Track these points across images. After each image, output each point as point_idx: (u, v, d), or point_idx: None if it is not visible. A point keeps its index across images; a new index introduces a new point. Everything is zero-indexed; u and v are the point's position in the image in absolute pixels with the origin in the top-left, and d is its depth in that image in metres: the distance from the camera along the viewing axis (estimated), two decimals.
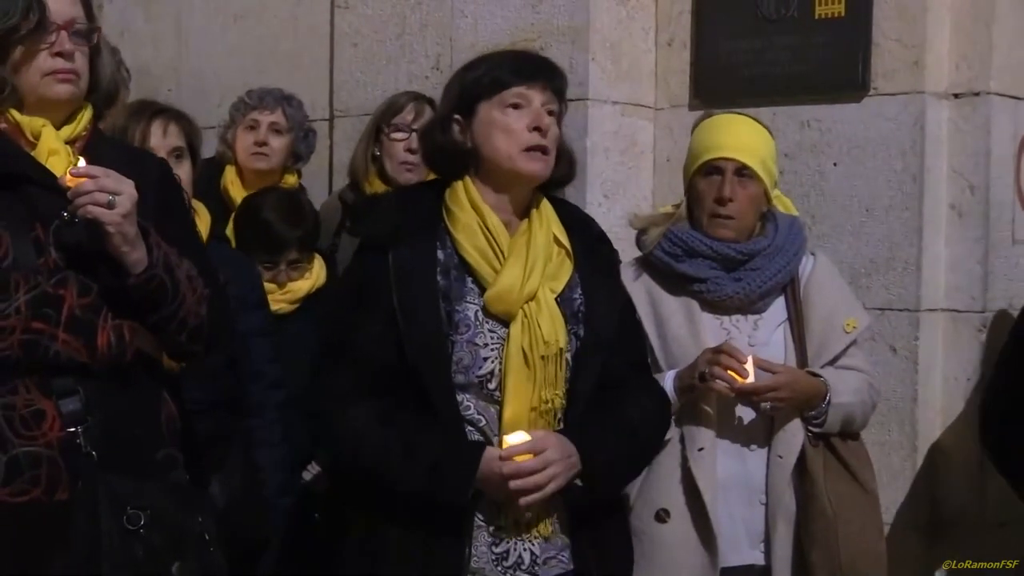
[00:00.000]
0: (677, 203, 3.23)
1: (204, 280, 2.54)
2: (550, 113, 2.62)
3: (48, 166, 2.47)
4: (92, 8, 2.62)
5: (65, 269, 2.42)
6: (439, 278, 2.57)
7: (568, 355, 2.60)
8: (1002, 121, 3.82)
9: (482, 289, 2.58)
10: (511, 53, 2.89)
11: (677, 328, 3.06)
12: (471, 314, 2.57)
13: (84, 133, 2.58)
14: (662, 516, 3.01)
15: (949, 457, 3.77)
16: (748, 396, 2.97)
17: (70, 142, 2.55)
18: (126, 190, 2.37)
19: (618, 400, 2.65)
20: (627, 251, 3.18)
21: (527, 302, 2.56)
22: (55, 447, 2.37)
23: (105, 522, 2.33)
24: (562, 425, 2.60)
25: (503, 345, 2.56)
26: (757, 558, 3.07)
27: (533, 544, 2.59)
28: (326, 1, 4.70)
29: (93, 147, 2.57)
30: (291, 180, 4.28)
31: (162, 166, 2.75)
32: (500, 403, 2.57)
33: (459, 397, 2.55)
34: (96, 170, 2.37)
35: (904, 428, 3.74)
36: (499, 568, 2.57)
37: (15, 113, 2.51)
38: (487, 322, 2.57)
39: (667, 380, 2.99)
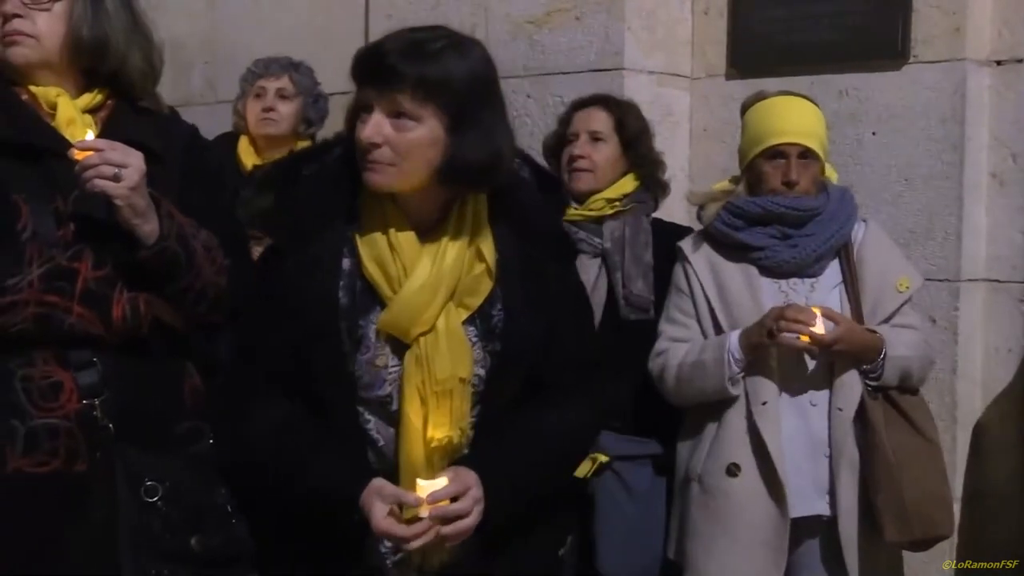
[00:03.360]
0: (733, 178, 3.33)
1: (226, 249, 2.53)
2: (399, 115, 2.24)
3: (67, 136, 2.46)
4: None
5: (82, 241, 2.41)
6: (342, 293, 2.31)
7: (478, 378, 2.35)
8: None
9: (384, 307, 2.32)
10: (365, 47, 2.38)
11: (738, 293, 3.21)
12: (371, 333, 2.32)
13: (109, 102, 2.57)
14: (733, 470, 3.14)
15: (988, 429, 3.76)
16: (819, 347, 3.05)
17: (92, 111, 2.54)
18: (133, 162, 2.36)
19: (536, 411, 2.41)
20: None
21: (423, 334, 2.30)
22: (72, 419, 2.38)
23: (122, 494, 2.34)
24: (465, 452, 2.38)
25: (401, 371, 2.33)
26: (823, 509, 3.16)
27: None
28: None
29: (116, 117, 2.56)
30: (303, 146, 4.27)
31: (190, 131, 2.73)
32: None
33: (360, 410, 2.34)
34: (101, 143, 2.36)
35: (944, 399, 3.73)
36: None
37: (25, 83, 2.50)
38: (387, 344, 2.32)
39: (731, 339, 3.14)
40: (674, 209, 4.01)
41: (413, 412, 2.29)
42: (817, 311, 3.03)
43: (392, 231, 2.31)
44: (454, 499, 2.24)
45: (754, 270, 3.22)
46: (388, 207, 2.32)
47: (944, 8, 3.73)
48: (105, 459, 2.37)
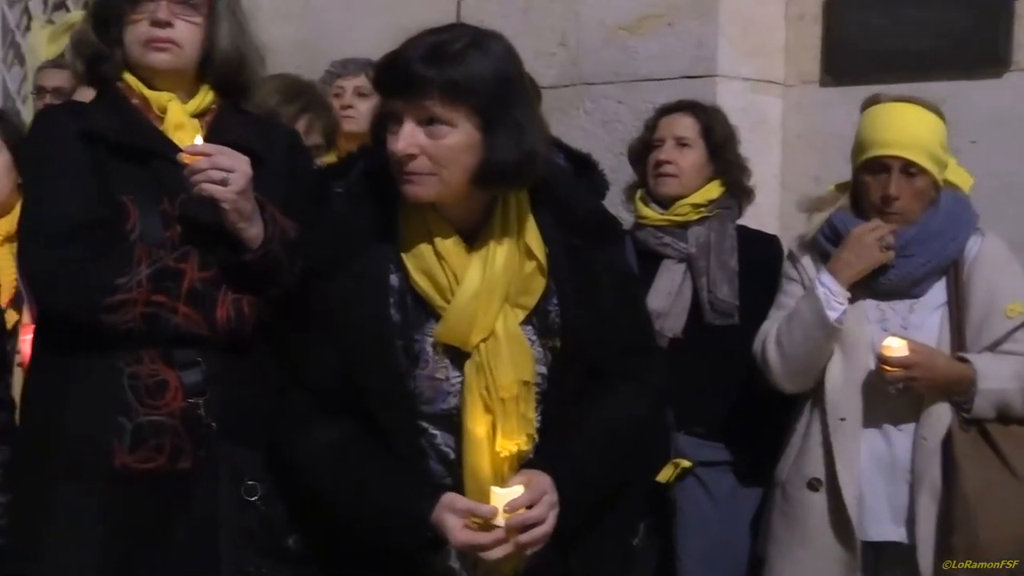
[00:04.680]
0: (840, 184, 3.26)
1: None
2: (431, 121, 2.18)
3: (175, 140, 2.51)
4: None
5: (188, 243, 2.45)
6: (393, 310, 2.25)
7: (541, 377, 2.31)
8: None
9: (439, 317, 2.25)
10: (385, 56, 2.27)
11: None
12: (428, 347, 2.26)
13: (213, 106, 2.62)
14: (815, 485, 3.09)
15: None
16: (881, 370, 2.96)
17: (198, 115, 2.59)
18: (240, 167, 2.39)
19: (597, 403, 2.38)
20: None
21: (483, 340, 2.25)
22: (177, 417, 2.42)
23: (223, 492, 2.37)
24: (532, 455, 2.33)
25: (463, 381, 2.27)
26: (901, 535, 3.06)
27: None
28: None
29: (221, 120, 2.61)
30: None
31: (292, 135, 2.77)
32: None
33: (425, 426, 2.28)
34: (210, 148, 2.40)
35: None
36: None
37: (142, 87, 2.56)
38: (445, 356, 2.27)
39: (822, 275, 3.07)
40: (764, 216, 3.99)
41: (477, 422, 2.24)
42: (889, 338, 2.92)
43: (437, 240, 2.25)
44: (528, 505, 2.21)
45: (856, 290, 3.09)
46: (429, 216, 2.26)
47: None
48: (208, 457, 2.41)
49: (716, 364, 3.47)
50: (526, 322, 2.30)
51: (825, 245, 3.14)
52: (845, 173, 4.02)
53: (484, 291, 2.23)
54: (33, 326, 2.74)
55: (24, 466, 2.54)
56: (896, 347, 2.92)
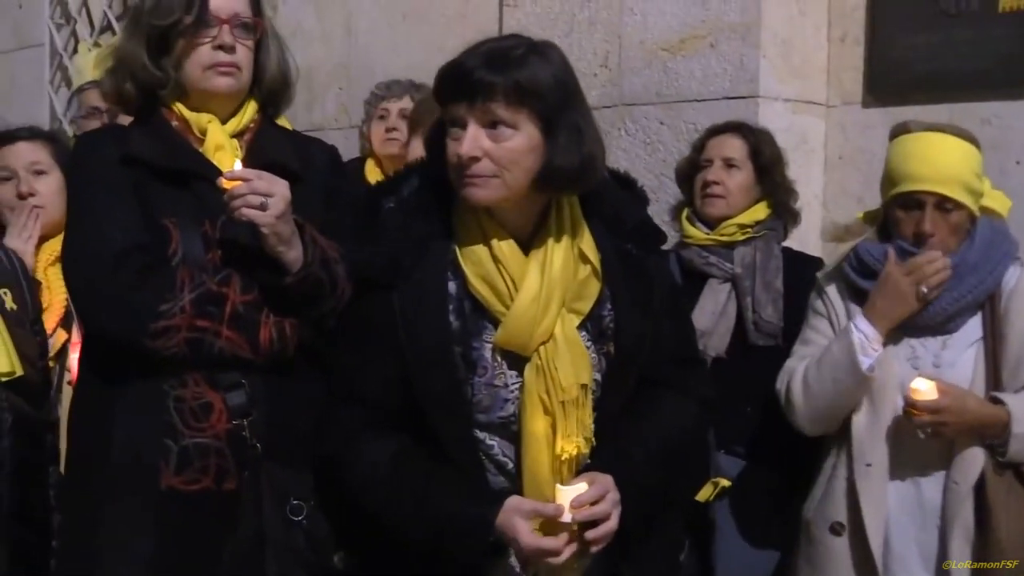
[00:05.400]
0: (867, 214, 3.16)
1: None
2: (494, 124, 2.23)
3: (215, 161, 2.53)
4: (260, 2, 2.66)
5: (229, 266, 2.46)
6: (452, 317, 2.27)
7: (596, 383, 2.33)
8: None
9: (497, 323, 2.28)
10: (446, 65, 2.30)
11: None
12: (487, 353, 2.28)
13: (251, 125, 2.64)
14: (837, 529, 2.97)
15: None
16: (907, 414, 2.83)
17: (237, 135, 2.61)
18: (278, 191, 2.40)
19: (647, 410, 2.40)
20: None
21: (543, 343, 2.26)
22: (223, 438, 2.44)
23: (268, 512, 2.39)
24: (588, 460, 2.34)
25: (522, 385, 2.29)
26: None
27: None
28: None
29: (259, 140, 2.63)
30: None
31: (330, 152, 2.78)
32: None
33: (481, 436, 2.29)
34: (249, 173, 2.41)
35: None
36: None
37: (183, 109, 2.58)
38: (504, 362, 2.28)
39: (856, 318, 2.95)
40: (806, 237, 3.98)
41: (536, 425, 2.26)
42: (918, 380, 2.78)
43: (494, 244, 2.28)
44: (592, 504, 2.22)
45: None
46: (485, 221, 2.30)
47: None
48: (253, 478, 2.42)
49: (758, 385, 3.45)
50: (581, 327, 2.33)
51: (852, 277, 3.02)
52: None
53: (543, 295, 2.26)
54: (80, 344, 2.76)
55: (71, 487, 2.57)
56: (924, 389, 2.79)
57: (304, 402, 2.47)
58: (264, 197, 2.38)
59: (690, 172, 3.71)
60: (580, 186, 2.31)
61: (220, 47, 2.54)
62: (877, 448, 2.91)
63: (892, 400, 2.92)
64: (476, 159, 2.23)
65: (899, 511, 2.92)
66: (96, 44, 6.33)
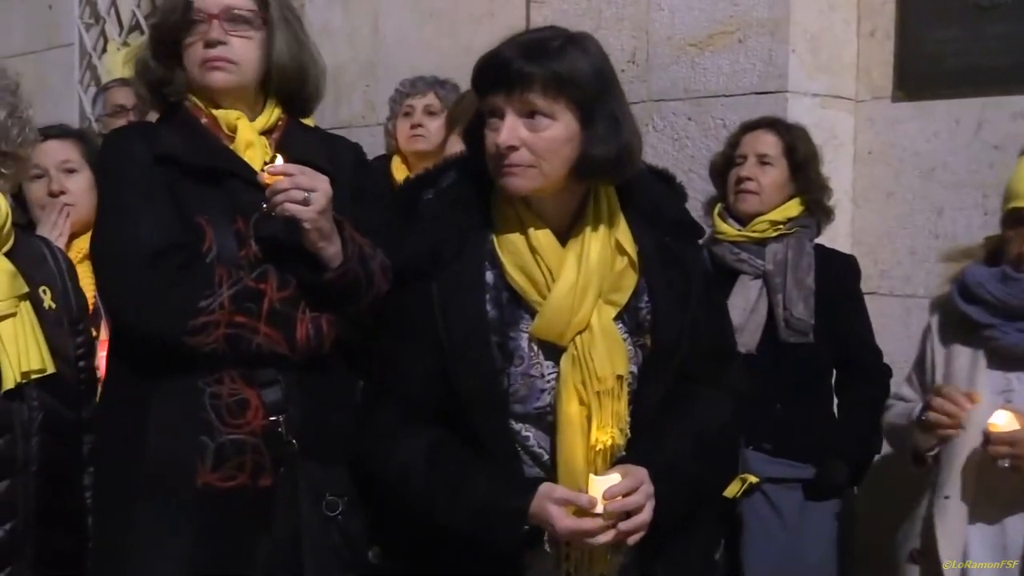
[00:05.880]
0: (989, 238, 3.01)
1: None
2: (532, 114, 2.24)
3: (246, 158, 2.53)
4: None
5: (264, 262, 2.46)
6: (489, 307, 2.29)
7: (632, 375, 2.33)
8: None
9: (534, 313, 2.29)
10: (483, 56, 2.31)
11: (959, 371, 2.88)
12: (524, 343, 2.29)
13: (280, 123, 2.64)
14: (914, 556, 2.91)
15: None
16: (986, 446, 2.73)
17: (266, 132, 2.61)
18: (321, 187, 2.40)
19: (685, 405, 2.39)
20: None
21: (579, 333, 2.28)
22: (259, 435, 2.43)
23: (304, 508, 2.40)
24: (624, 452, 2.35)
25: (559, 375, 2.29)
26: None
27: None
28: None
29: (288, 136, 2.63)
30: None
31: (355, 150, 2.78)
32: None
33: (517, 427, 2.31)
34: (292, 168, 2.41)
35: None
36: None
37: (209, 107, 2.58)
38: (540, 352, 2.30)
39: (916, 411, 2.90)
40: (836, 232, 3.97)
41: (572, 415, 2.27)
42: (1006, 414, 2.68)
43: (531, 233, 2.30)
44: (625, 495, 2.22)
45: (982, 354, 2.84)
46: (522, 211, 2.31)
47: None
48: (289, 474, 2.42)
49: (788, 382, 3.46)
50: (617, 319, 2.33)
51: (960, 304, 2.88)
52: (917, 189, 4.02)
53: (580, 285, 2.27)
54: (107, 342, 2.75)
55: (103, 486, 2.56)
56: (1003, 423, 2.68)
57: (339, 399, 2.49)
58: (307, 192, 2.38)
59: (724, 168, 3.71)
60: (617, 176, 2.33)
61: (208, 43, 2.53)
62: (956, 481, 2.81)
63: (976, 434, 2.78)
64: (514, 148, 2.24)
65: (978, 546, 2.80)
66: (125, 43, 6.38)
